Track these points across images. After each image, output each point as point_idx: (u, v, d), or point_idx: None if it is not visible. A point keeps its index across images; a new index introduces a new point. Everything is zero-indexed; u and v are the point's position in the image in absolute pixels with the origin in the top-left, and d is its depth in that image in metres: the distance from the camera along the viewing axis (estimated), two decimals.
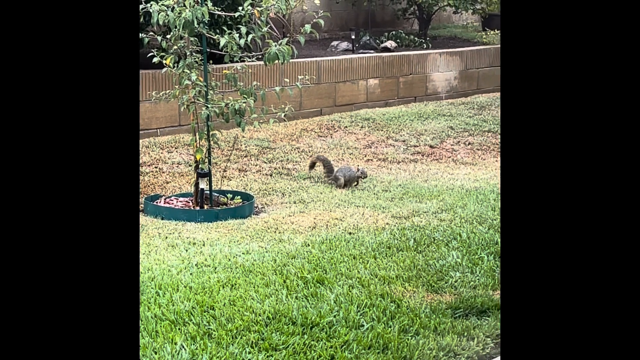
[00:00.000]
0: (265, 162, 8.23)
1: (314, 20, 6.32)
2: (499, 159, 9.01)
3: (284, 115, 6.54)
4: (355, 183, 7.49)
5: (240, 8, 6.30)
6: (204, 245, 5.38)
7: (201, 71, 6.37)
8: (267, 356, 3.62)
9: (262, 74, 9.48)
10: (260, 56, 6.44)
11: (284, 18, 10.37)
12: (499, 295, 4.39)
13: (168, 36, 6.20)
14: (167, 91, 6.55)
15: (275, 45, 6.11)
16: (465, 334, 3.93)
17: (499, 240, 5.24)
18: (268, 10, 6.17)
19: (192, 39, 6.25)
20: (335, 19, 13.30)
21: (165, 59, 6.16)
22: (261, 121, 6.53)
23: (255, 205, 6.70)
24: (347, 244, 5.21)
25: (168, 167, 7.70)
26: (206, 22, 6.24)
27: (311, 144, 9.02)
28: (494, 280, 4.57)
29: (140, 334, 3.71)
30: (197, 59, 6.31)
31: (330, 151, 8.78)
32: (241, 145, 8.64)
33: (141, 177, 7.22)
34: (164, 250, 5.22)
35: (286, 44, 6.15)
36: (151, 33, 6.66)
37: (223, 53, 6.28)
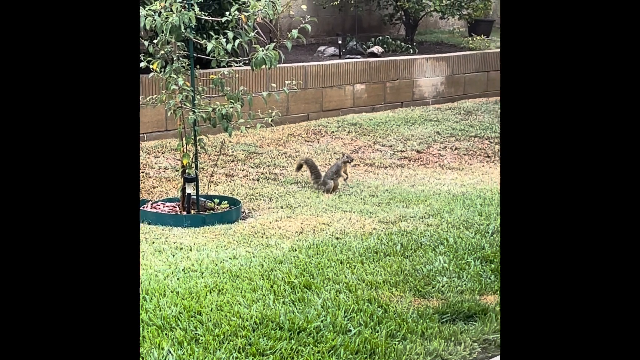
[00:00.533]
0: (252, 167, 8.22)
1: (301, 25, 6.32)
2: (485, 164, 9.04)
3: (271, 120, 6.54)
4: (346, 177, 7.50)
5: (227, 13, 6.30)
6: (190, 250, 5.37)
7: (188, 76, 6.37)
8: None
9: (249, 79, 9.47)
10: (247, 61, 6.45)
11: (271, 23, 10.37)
12: (486, 300, 4.40)
13: (155, 41, 6.20)
14: (154, 96, 6.54)
15: (262, 50, 6.11)
16: (453, 338, 3.93)
17: (486, 245, 5.25)
18: (255, 15, 6.17)
19: (179, 43, 6.25)
20: (322, 24, 13.31)
21: (152, 64, 6.15)
22: (248, 126, 6.53)
23: (242, 210, 6.69)
24: (334, 249, 5.21)
25: (155, 172, 7.69)
26: (193, 27, 6.24)
27: (298, 149, 9.02)
28: (480, 285, 4.58)
29: None
30: (184, 64, 6.31)
31: (317, 156, 8.78)
32: (228, 150, 8.63)
33: None
34: (151, 256, 5.21)
35: (273, 49, 6.15)
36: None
37: (210, 58, 6.28)
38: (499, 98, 12.54)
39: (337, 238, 5.61)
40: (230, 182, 7.73)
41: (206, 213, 6.47)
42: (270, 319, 3.96)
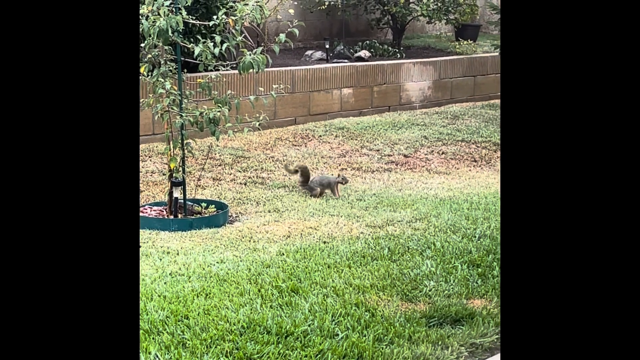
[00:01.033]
0: (239, 171, 8.22)
1: (289, 29, 6.33)
2: (472, 168, 9.06)
3: (259, 124, 6.53)
4: (337, 196, 7.46)
5: (214, 17, 6.29)
6: (178, 254, 5.36)
7: (175, 80, 6.36)
8: None
9: (237, 82, 9.47)
10: (234, 65, 6.44)
11: (259, 27, 10.38)
12: (473, 304, 4.40)
13: (142, 44, 6.19)
14: (141, 100, 6.53)
15: (250, 54, 6.11)
16: (440, 342, 3.93)
17: (473, 249, 5.26)
18: (242, 19, 6.17)
19: (166, 47, 6.24)
20: (309, 28, 13.32)
21: (140, 67, 6.14)
22: (235, 130, 6.52)
23: (230, 214, 6.69)
24: (321, 253, 5.21)
25: (142, 176, 7.67)
26: (180, 30, 6.23)
27: (285, 153, 9.02)
28: (467, 289, 4.59)
29: None
30: (171, 68, 6.30)
31: (304, 160, 8.78)
32: (215, 154, 8.62)
33: None
34: None
35: (261, 53, 6.15)
36: None
37: (197, 62, 6.27)
38: (485, 102, 12.58)
39: (325, 242, 5.62)
40: (217, 186, 7.72)
41: (193, 217, 6.46)
42: (257, 323, 3.96)
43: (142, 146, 8.58)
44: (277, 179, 8.05)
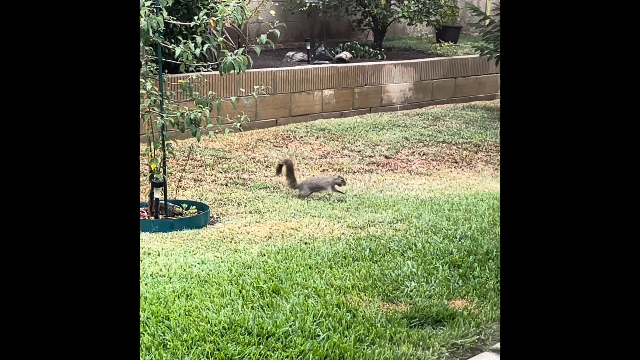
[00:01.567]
0: (220, 172, 8.20)
1: (270, 30, 6.32)
2: (453, 169, 9.08)
3: (240, 125, 6.53)
4: (334, 191, 7.43)
5: (195, 17, 6.28)
6: (158, 255, 5.34)
7: (156, 80, 6.34)
8: None
9: (218, 83, 9.46)
10: (215, 66, 6.43)
11: (240, 28, 10.37)
12: (454, 304, 4.41)
13: None
14: None
15: (231, 55, 6.11)
16: (421, 343, 3.94)
17: (454, 250, 5.28)
18: (224, 20, 6.16)
19: (147, 48, 6.22)
20: (290, 29, 13.32)
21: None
22: (216, 131, 6.52)
23: (211, 215, 6.67)
24: (302, 254, 5.21)
25: None
26: (161, 31, 6.22)
27: (267, 154, 9.01)
28: (448, 289, 4.60)
29: None
30: (152, 68, 6.28)
31: None
32: (196, 155, 8.61)
33: None
34: None
35: (242, 54, 6.15)
36: None
37: (178, 62, 6.26)
38: (466, 104, 12.62)
39: (306, 243, 5.61)
40: (198, 187, 7.71)
41: (174, 218, 6.44)
42: (238, 324, 3.95)
43: None
44: (258, 180, 8.04)
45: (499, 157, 9.58)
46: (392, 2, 13.56)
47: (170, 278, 4.67)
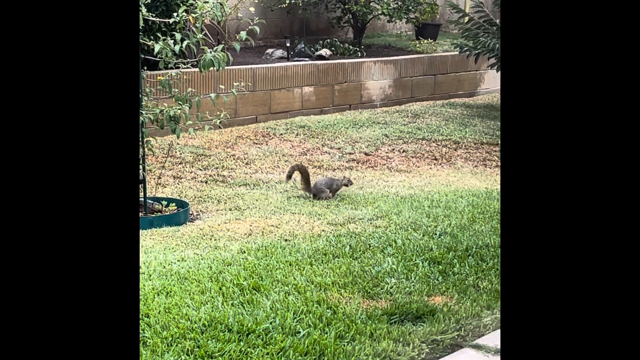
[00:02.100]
0: (200, 169, 8.19)
1: (249, 27, 6.31)
2: (433, 166, 9.10)
3: (219, 122, 6.52)
4: (337, 191, 7.39)
5: (174, 14, 6.26)
6: None
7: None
8: None
9: (197, 80, 9.43)
10: (195, 63, 6.42)
11: (219, 25, 10.34)
12: (434, 301, 4.43)
13: None
14: None
15: (211, 52, 6.09)
16: (401, 339, 3.95)
17: (434, 246, 5.29)
18: (203, 16, 6.14)
19: None
20: (270, 26, 13.31)
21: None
22: (196, 128, 6.50)
23: (191, 213, 6.66)
24: (283, 251, 5.20)
25: None
26: (140, 28, 6.19)
27: (247, 151, 9.00)
28: (429, 286, 4.61)
29: None
30: None
31: (265, 158, 8.77)
32: (176, 152, 8.58)
33: None
34: None
35: (221, 51, 6.13)
36: None
37: (157, 59, 6.24)
38: (446, 101, 12.66)
39: (286, 240, 5.61)
40: (178, 184, 7.69)
41: (154, 215, 6.42)
42: (218, 321, 3.95)
43: None
44: (238, 177, 8.03)
45: (477, 154, 9.61)
46: None
47: (150, 275, 4.66)
